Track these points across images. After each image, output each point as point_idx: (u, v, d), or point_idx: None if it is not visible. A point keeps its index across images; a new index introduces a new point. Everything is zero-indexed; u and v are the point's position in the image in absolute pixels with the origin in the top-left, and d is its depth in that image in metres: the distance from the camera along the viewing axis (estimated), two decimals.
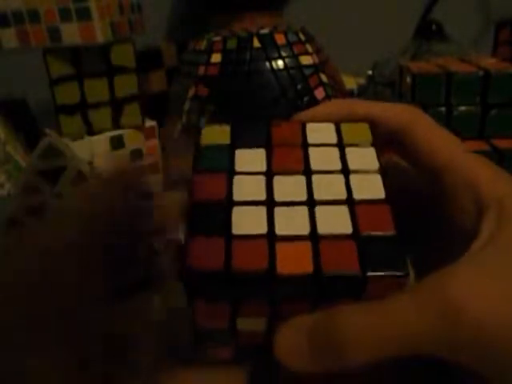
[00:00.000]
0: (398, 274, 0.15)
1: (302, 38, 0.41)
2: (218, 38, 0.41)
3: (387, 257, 0.15)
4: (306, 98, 0.40)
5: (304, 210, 0.17)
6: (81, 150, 0.44)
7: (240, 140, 0.19)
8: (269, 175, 0.18)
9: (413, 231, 0.21)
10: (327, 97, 0.41)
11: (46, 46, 0.43)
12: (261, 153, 0.19)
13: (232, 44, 0.40)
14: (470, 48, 0.60)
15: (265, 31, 0.40)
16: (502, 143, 0.38)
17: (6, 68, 0.62)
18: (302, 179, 0.18)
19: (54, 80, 0.45)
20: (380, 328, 0.14)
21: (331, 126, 0.20)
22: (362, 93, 0.57)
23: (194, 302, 0.16)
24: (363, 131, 0.20)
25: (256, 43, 0.40)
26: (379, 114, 0.20)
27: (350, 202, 0.17)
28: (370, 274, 0.15)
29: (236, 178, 0.18)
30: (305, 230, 0.16)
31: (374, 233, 0.16)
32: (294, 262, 0.15)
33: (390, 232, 0.16)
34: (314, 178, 0.18)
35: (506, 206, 0.16)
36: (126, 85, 0.47)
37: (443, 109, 0.38)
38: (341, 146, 0.19)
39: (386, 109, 0.20)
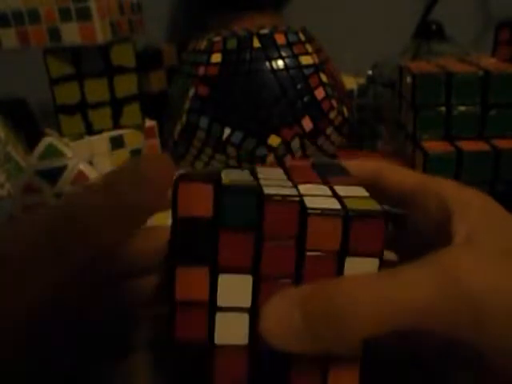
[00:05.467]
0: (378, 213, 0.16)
1: (302, 38, 0.41)
2: (217, 38, 0.41)
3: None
4: (306, 98, 0.40)
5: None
6: (81, 150, 0.44)
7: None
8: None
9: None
10: (327, 97, 0.41)
11: (46, 45, 0.43)
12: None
13: (232, 44, 0.40)
14: (470, 48, 0.60)
15: (265, 31, 0.40)
16: (502, 143, 0.38)
17: (6, 68, 0.62)
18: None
19: (54, 80, 0.45)
20: (381, 300, 0.14)
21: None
22: (362, 93, 0.57)
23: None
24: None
25: (256, 43, 0.40)
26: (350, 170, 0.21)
27: None
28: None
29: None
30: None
31: None
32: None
33: None
34: None
35: (471, 211, 0.18)
36: (126, 85, 0.47)
37: (443, 109, 0.39)
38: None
39: (354, 166, 0.22)
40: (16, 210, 0.34)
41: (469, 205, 0.18)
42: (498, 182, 0.38)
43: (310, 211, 0.15)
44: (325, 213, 0.15)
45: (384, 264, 0.16)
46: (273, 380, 0.16)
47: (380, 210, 0.16)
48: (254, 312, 0.16)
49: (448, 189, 0.19)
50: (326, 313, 0.14)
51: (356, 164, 0.22)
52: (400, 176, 0.21)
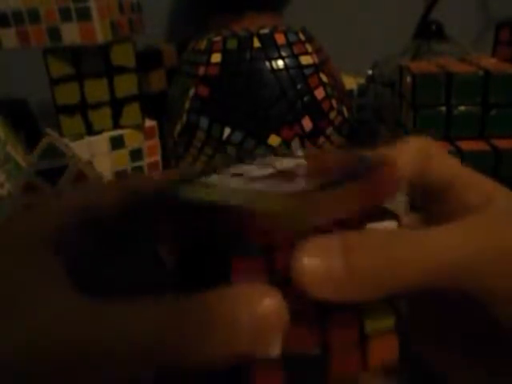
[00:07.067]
0: None
1: (302, 37, 0.41)
2: (217, 38, 0.41)
3: None
4: (305, 98, 0.40)
5: None
6: (81, 150, 0.44)
7: None
8: None
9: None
10: (327, 97, 0.41)
11: (46, 45, 0.43)
12: None
13: (232, 44, 0.40)
14: (470, 48, 0.60)
15: (265, 31, 0.40)
16: (502, 143, 0.38)
17: (6, 68, 0.62)
18: None
19: (54, 80, 0.45)
20: (432, 250, 0.14)
21: None
22: (362, 93, 0.57)
23: None
24: None
25: (256, 43, 0.40)
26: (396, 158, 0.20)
27: None
28: None
29: None
30: None
31: None
32: None
33: None
34: None
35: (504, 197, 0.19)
36: (126, 85, 0.47)
37: (443, 109, 0.38)
38: None
39: (399, 151, 0.21)
40: (16, 209, 0.34)
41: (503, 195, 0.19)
42: (497, 182, 0.38)
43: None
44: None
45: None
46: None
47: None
48: None
49: (487, 183, 0.20)
50: (370, 258, 0.14)
51: (402, 152, 0.20)
52: (444, 162, 0.21)
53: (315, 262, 0.13)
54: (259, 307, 0.13)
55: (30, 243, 0.16)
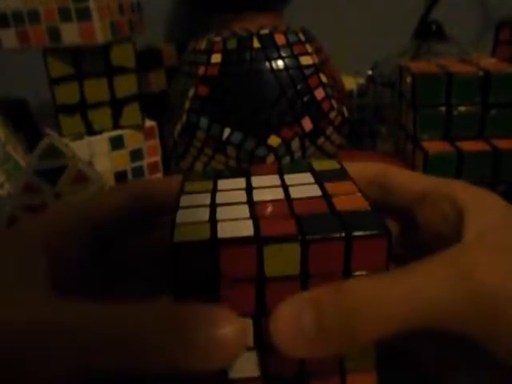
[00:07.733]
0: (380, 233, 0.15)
1: (302, 38, 0.41)
2: (218, 38, 0.41)
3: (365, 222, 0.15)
4: (305, 98, 0.40)
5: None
6: (80, 150, 0.44)
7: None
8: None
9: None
10: (327, 97, 0.41)
11: (46, 46, 0.43)
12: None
13: (232, 44, 0.40)
14: (470, 48, 0.60)
15: (265, 31, 0.40)
16: (502, 143, 0.38)
17: (6, 68, 0.62)
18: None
19: (53, 80, 0.45)
20: (394, 299, 0.14)
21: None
22: (362, 93, 0.57)
23: None
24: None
25: (256, 43, 0.39)
26: (355, 172, 0.20)
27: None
28: (354, 233, 0.15)
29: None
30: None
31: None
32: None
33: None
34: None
35: (481, 209, 0.18)
36: (126, 85, 0.47)
37: (443, 109, 0.38)
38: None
39: (359, 166, 0.21)
40: (16, 209, 0.34)
41: (479, 203, 0.18)
42: (498, 182, 0.38)
43: (309, 238, 0.15)
44: (326, 238, 0.15)
45: (393, 258, 0.16)
46: None
47: (383, 226, 0.15)
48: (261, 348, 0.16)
49: (459, 189, 0.19)
50: (339, 314, 0.14)
51: (360, 165, 0.21)
52: (408, 177, 0.21)
53: (287, 323, 0.14)
54: (218, 330, 0.14)
55: (27, 245, 0.17)
